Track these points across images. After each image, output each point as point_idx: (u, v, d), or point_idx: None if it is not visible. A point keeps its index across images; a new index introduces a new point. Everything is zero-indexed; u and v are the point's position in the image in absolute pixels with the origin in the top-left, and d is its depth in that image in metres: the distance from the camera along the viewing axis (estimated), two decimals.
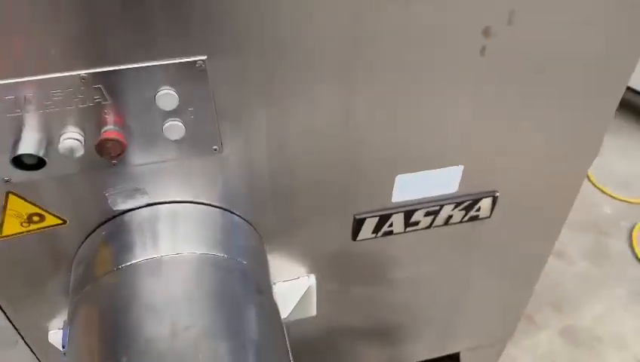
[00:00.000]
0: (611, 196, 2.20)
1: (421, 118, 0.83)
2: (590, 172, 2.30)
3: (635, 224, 2.07)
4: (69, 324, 0.75)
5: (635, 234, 2.03)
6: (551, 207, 1.08)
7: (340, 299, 1.11)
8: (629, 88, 2.43)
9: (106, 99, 0.66)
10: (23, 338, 0.94)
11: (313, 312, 1.10)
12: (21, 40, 0.60)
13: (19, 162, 0.66)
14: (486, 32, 0.75)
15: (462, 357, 1.46)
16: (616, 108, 0.91)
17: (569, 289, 1.88)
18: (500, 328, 1.38)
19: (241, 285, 0.76)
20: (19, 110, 0.64)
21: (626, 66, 0.86)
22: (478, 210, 1.01)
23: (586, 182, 2.26)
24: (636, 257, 1.97)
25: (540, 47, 0.79)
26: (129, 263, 0.73)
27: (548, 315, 1.80)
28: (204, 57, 0.66)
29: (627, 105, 2.53)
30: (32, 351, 0.96)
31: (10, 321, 0.90)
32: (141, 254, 0.74)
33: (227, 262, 0.77)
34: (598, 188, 2.24)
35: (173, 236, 0.78)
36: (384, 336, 1.27)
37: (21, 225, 0.77)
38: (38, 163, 0.66)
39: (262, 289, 0.80)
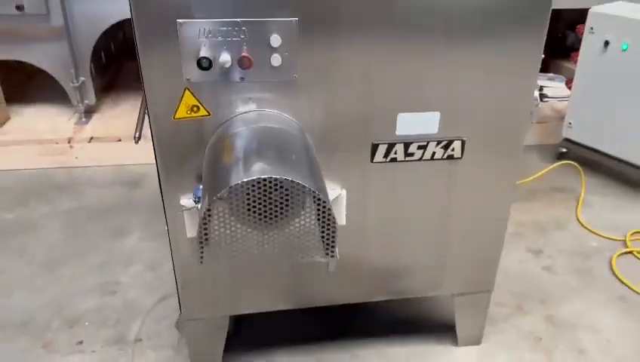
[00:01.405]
0: (598, 234, 2.64)
1: (409, 82, 1.45)
2: (583, 220, 2.76)
3: (616, 252, 2.49)
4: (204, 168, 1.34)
5: (614, 259, 2.45)
6: (504, 156, 1.61)
7: (361, 218, 1.63)
8: (615, 158, 2.96)
9: (246, 37, 1.32)
10: (163, 200, 1.52)
11: (343, 221, 1.63)
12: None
13: (199, 63, 1.30)
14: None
15: (455, 302, 1.90)
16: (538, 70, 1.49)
17: (555, 292, 2.28)
18: (480, 275, 1.83)
19: (303, 145, 1.35)
20: (204, 37, 1.30)
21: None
22: (453, 150, 1.56)
23: (578, 226, 2.73)
24: (615, 275, 2.37)
25: None
26: (237, 130, 1.34)
27: (535, 307, 2.20)
28: (296, 19, 1.32)
29: (612, 173, 3.07)
30: (165, 214, 1.53)
31: (160, 186, 1.49)
32: (246, 126, 1.35)
33: (298, 137, 1.36)
34: (588, 229, 2.69)
35: (266, 122, 1.38)
36: (391, 268, 1.76)
37: (186, 112, 1.40)
38: (209, 65, 1.31)
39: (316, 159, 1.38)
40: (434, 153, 1.56)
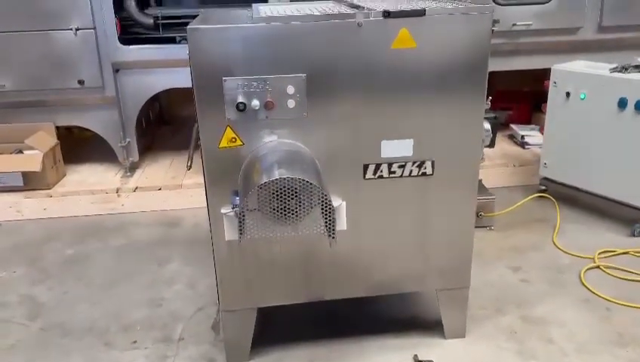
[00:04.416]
0: (569, 253, 3.07)
1: (388, 118, 1.99)
2: (558, 243, 3.19)
3: (585, 267, 2.90)
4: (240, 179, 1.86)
5: (583, 272, 2.86)
6: (466, 172, 2.11)
7: (357, 224, 2.12)
8: (585, 191, 3.42)
9: (270, 88, 1.88)
10: (208, 209, 2.02)
11: (344, 226, 2.11)
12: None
13: (237, 107, 1.86)
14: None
15: (439, 298, 2.33)
16: (482, 115, 2.02)
17: (529, 298, 2.69)
18: (457, 273, 2.27)
19: (312, 162, 1.87)
20: (241, 88, 1.86)
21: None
22: (425, 168, 2.07)
23: (553, 248, 3.16)
24: (582, 284, 2.78)
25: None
26: (263, 153, 1.87)
27: (511, 309, 2.61)
28: (304, 75, 1.88)
29: (585, 204, 3.52)
30: (209, 218, 2.03)
31: (207, 198, 2.01)
32: (270, 151, 1.88)
33: (308, 157, 1.89)
34: (561, 250, 3.11)
35: (284, 148, 1.91)
36: (383, 266, 2.22)
37: (227, 142, 1.94)
38: (244, 108, 1.86)
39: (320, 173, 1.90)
40: (411, 171, 2.07)
